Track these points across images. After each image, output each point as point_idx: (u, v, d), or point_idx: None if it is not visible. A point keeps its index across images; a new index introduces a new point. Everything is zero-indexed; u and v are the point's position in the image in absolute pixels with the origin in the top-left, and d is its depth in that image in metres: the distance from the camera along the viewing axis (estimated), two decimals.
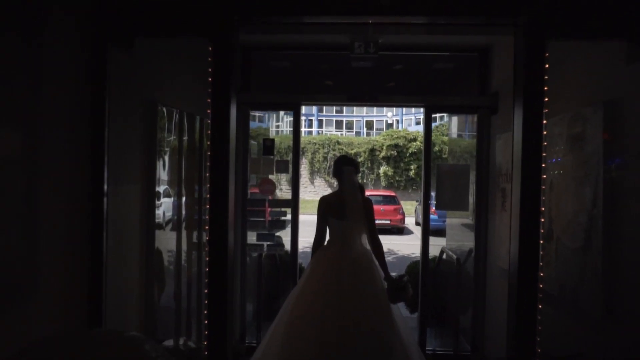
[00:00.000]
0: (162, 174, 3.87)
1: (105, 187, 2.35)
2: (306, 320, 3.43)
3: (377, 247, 3.79)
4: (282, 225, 5.37)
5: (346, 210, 3.75)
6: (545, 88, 2.33)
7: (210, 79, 2.45)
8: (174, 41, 3.06)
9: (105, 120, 2.35)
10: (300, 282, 3.76)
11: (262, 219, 5.39)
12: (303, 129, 40.36)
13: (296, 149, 5.39)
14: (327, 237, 3.97)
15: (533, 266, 2.26)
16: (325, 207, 3.86)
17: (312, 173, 28.34)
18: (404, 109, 40.79)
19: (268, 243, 5.35)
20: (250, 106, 5.31)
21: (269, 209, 5.96)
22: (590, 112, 2.87)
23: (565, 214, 3.13)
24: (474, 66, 5.34)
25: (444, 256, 5.93)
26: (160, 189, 3.91)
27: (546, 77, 2.32)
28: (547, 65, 2.33)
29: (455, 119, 6.90)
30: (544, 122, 2.33)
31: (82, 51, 2.39)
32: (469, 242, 6.16)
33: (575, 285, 2.96)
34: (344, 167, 3.94)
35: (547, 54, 2.33)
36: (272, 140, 5.33)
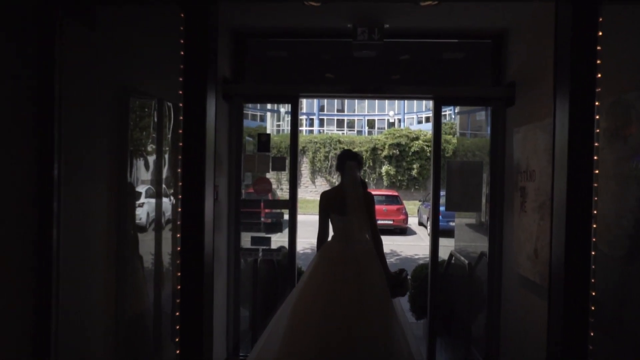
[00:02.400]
0: (144, 172, 3.48)
1: (56, 188, 1.93)
2: (308, 318, 3.40)
3: (377, 243, 3.76)
4: (279, 227, 4.96)
5: (347, 206, 3.70)
6: (599, 62, 1.90)
7: (182, 53, 2.03)
8: (152, 13, 2.64)
9: (54, 109, 1.93)
10: (303, 279, 3.69)
11: (257, 221, 4.97)
12: (304, 128, 39.93)
13: (294, 145, 4.97)
14: (331, 233, 3.88)
15: (583, 284, 1.84)
16: (326, 202, 3.80)
17: (314, 172, 27.91)
18: (405, 107, 40.37)
19: (264, 247, 4.94)
20: (244, 98, 4.90)
21: (266, 210, 5.57)
22: (637, 97, 2.44)
23: (603, 217, 2.68)
24: (487, 54, 4.91)
25: (453, 260, 5.53)
26: (142, 188, 3.52)
27: (599, 48, 1.90)
28: (600, 34, 1.89)
29: (459, 116, 6.50)
30: (596, 103, 1.91)
31: (25, 22, 1.96)
32: (474, 243, 5.80)
33: (618, 301, 2.53)
34: (348, 161, 3.85)
35: (601, 19, 1.90)
36: (268, 135, 4.91)
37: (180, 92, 1.95)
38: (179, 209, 1.94)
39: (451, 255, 5.50)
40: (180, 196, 1.93)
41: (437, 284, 4.97)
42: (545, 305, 3.55)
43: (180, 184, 1.94)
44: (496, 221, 4.75)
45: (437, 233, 4.95)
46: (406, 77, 5.37)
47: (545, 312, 3.57)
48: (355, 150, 27.88)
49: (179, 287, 1.94)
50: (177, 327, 1.93)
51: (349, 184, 3.78)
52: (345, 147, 27.30)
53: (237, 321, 5.06)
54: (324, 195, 3.87)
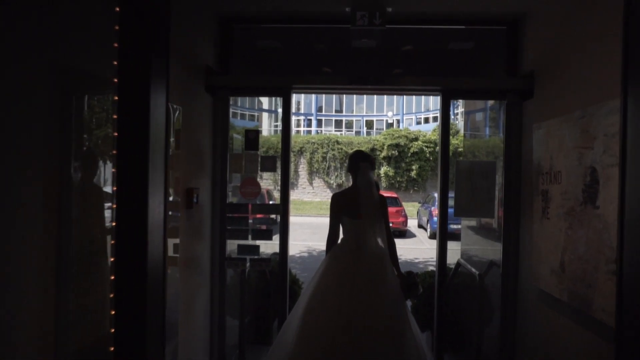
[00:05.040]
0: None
1: None
2: (318, 322, 3.33)
3: (391, 246, 3.69)
4: (268, 235, 4.45)
5: (361, 209, 3.58)
6: None
7: (117, 9, 1.51)
8: None
9: None
10: (313, 283, 3.57)
11: (245, 228, 4.46)
12: (302, 128, 39.41)
13: (286, 143, 4.47)
14: (341, 235, 3.77)
15: None
16: (339, 205, 3.69)
17: (311, 173, 27.39)
18: (404, 107, 39.89)
19: (252, 257, 4.44)
20: (230, 91, 4.40)
21: (258, 216, 5.08)
22: None
23: None
24: (500, 42, 4.41)
25: (460, 269, 5.04)
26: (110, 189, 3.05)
27: None
28: None
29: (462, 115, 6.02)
30: None
31: None
32: (477, 246, 5.35)
33: None
34: (360, 163, 3.73)
35: None
36: (256, 131, 4.41)
37: (115, 63, 1.46)
38: (113, 224, 1.47)
39: (458, 264, 5.01)
40: (114, 204, 1.46)
41: (444, 295, 4.50)
42: (576, 328, 3.08)
43: (115, 188, 1.47)
44: (510, 228, 4.26)
45: (445, 239, 4.49)
46: (410, 69, 4.88)
47: (575, 335, 3.10)
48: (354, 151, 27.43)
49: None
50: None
51: (364, 186, 3.64)
52: (343, 148, 26.81)
53: (223, 337, 4.57)
54: (336, 197, 3.76)
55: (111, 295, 1.50)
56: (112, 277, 1.49)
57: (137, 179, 1.47)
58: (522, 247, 4.15)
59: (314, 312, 3.38)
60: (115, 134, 1.48)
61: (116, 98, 1.48)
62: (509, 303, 4.28)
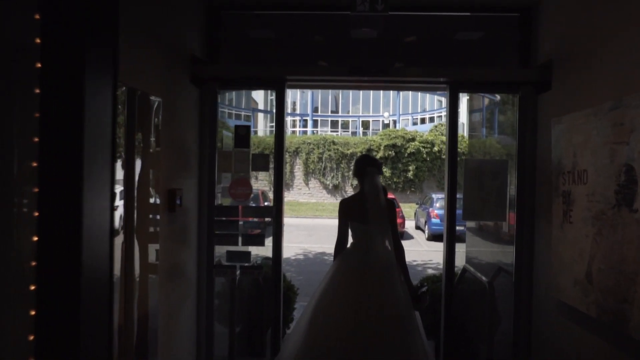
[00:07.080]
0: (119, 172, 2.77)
1: None
2: (326, 326, 3.30)
3: (399, 251, 3.60)
4: (260, 240, 4.10)
5: (369, 214, 3.52)
6: None
7: None
8: None
9: None
10: (321, 287, 3.52)
11: (235, 232, 4.10)
12: (298, 129, 39.04)
13: (279, 140, 4.11)
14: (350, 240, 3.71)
15: None
16: (347, 211, 3.65)
17: (307, 174, 26.99)
18: (400, 108, 39.60)
19: (242, 264, 4.08)
20: (218, 83, 4.03)
21: (249, 219, 4.72)
22: None
23: None
24: (512, 31, 4.08)
25: (466, 275, 4.71)
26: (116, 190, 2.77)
27: None
28: None
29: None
30: None
31: None
32: (482, 249, 5.09)
33: None
34: (367, 167, 3.65)
35: None
36: (247, 127, 4.05)
37: (37, 17, 1.08)
38: (35, 238, 1.11)
39: (464, 270, 4.67)
40: (37, 213, 1.09)
41: (451, 302, 4.17)
42: (607, 347, 2.74)
43: (36, 189, 1.10)
44: (524, 232, 3.92)
45: (453, 241, 4.18)
46: (414, 61, 4.54)
47: (606, 355, 2.76)
48: (350, 151, 27.07)
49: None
50: None
51: (371, 191, 3.56)
52: (340, 149, 26.45)
53: (211, 349, 4.22)
54: (344, 203, 3.73)
55: (30, 337, 1.12)
56: (32, 312, 1.12)
57: (66, 178, 1.08)
58: (536, 253, 3.81)
59: (321, 317, 3.36)
60: (37, 114, 1.09)
61: (39, 65, 1.10)
62: (522, 313, 3.94)
